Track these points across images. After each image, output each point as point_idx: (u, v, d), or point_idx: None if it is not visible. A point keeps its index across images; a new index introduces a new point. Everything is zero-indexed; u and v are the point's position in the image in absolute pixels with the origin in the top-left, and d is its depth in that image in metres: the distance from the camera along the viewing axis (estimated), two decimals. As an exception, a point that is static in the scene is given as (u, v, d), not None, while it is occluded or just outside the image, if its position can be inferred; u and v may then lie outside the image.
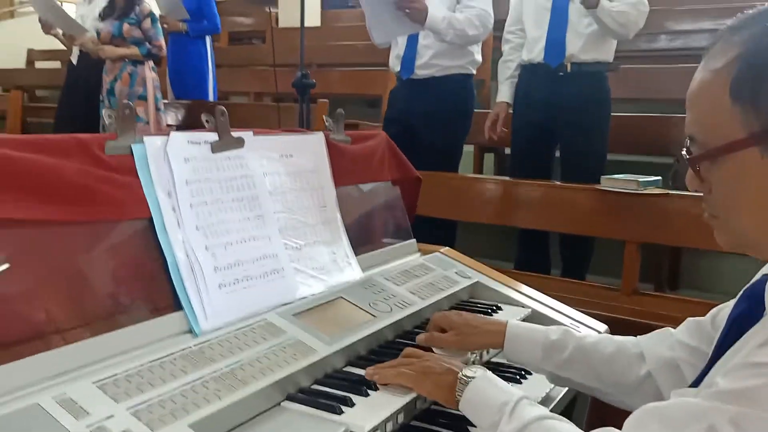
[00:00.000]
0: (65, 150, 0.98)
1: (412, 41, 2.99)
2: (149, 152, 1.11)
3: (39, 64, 7.42)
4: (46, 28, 4.32)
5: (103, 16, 4.26)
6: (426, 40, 2.95)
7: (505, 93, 2.98)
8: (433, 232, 2.70)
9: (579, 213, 2.56)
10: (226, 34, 7.22)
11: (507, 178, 2.79)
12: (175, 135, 1.16)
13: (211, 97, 4.92)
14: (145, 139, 1.11)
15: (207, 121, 1.25)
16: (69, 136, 1.00)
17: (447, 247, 1.78)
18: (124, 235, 1.06)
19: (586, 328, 1.50)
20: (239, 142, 1.29)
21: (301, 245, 1.36)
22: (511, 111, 2.99)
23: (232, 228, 1.22)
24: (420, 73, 2.98)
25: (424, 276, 1.56)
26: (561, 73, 2.72)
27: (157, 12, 4.48)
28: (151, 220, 1.09)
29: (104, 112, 1.04)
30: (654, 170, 2.57)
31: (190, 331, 1.08)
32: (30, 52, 7.44)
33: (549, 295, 1.68)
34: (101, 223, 1.02)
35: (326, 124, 1.60)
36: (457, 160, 3.05)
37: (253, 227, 1.26)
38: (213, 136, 1.24)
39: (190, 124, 4.63)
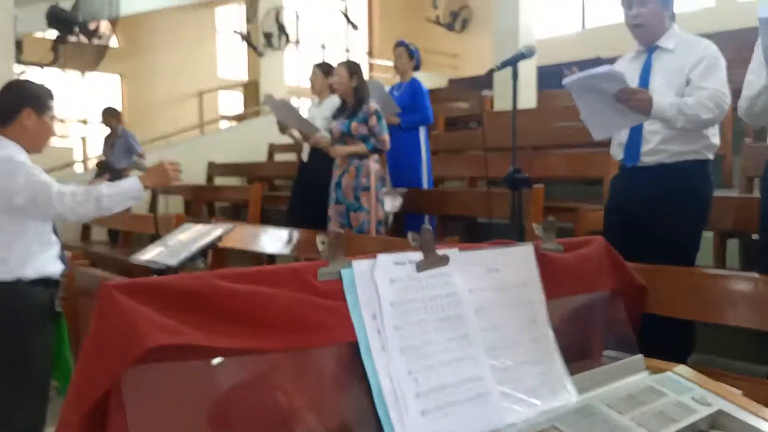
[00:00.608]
0: (281, 279, 1.03)
1: (637, 127, 2.79)
2: (357, 276, 1.13)
3: (278, 157, 8.31)
4: (282, 129, 4.83)
5: (335, 115, 4.65)
6: (653, 126, 2.72)
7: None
8: (667, 331, 2.43)
9: None
10: (442, 119, 7.50)
11: (755, 274, 2.44)
12: (381, 258, 1.17)
13: (425, 185, 5.07)
14: (354, 263, 1.14)
15: (413, 239, 1.25)
16: (285, 267, 1.05)
17: (681, 365, 1.57)
18: (330, 359, 1.08)
19: None
20: (444, 260, 1.27)
21: (509, 366, 1.28)
22: None
23: (436, 349, 1.18)
24: (646, 160, 2.75)
25: (653, 402, 1.37)
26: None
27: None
28: (357, 343, 1.09)
29: (317, 239, 1.08)
30: None
31: (393, 462, 1.05)
32: (271, 146, 8.38)
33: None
34: (310, 348, 1.05)
35: (536, 232, 1.52)
36: (693, 252, 2.74)
37: (457, 348, 1.22)
38: (418, 256, 1.24)
39: (405, 210, 4.81)
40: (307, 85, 5.31)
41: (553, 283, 1.44)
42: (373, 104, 4.57)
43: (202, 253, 2.90)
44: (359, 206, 4.26)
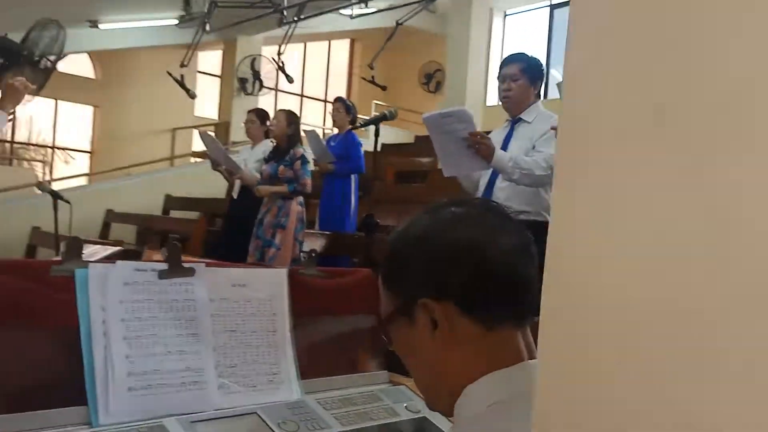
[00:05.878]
0: (17, 270, 1.31)
1: (491, 185, 3.14)
2: (91, 275, 1.41)
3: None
4: (214, 165, 5.18)
5: (267, 159, 5.01)
6: (502, 183, 3.09)
7: None
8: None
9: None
10: (392, 171, 7.86)
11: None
12: (120, 264, 1.45)
13: (350, 228, 5.40)
14: (90, 265, 1.42)
15: (163, 252, 1.54)
16: (23, 260, 1.33)
17: (420, 382, 1.83)
18: (53, 339, 1.36)
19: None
20: (189, 272, 1.55)
21: (236, 363, 1.55)
22: None
23: (161, 341, 1.45)
24: (495, 215, 3.11)
25: (364, 405, 1.64)
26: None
27: (310, 156, 5.17)
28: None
29: (61, 245, 1.37)
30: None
31: (89, 423, 1.31)
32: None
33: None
34: (34, 328, 1.33)
35: (302, 260, 1.81)
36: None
37: (184, 343, 1.49)
38: (163, 266, 1.52)
39: (327, 251, 5.11)
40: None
41: (307, 301, 1.72)
42: (300, 150, 4.91)
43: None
44: (271, 242, 4.57)
